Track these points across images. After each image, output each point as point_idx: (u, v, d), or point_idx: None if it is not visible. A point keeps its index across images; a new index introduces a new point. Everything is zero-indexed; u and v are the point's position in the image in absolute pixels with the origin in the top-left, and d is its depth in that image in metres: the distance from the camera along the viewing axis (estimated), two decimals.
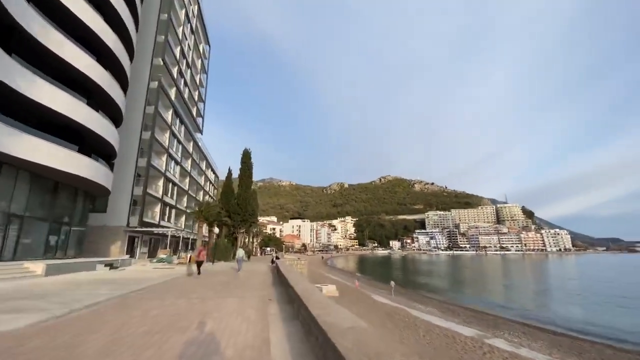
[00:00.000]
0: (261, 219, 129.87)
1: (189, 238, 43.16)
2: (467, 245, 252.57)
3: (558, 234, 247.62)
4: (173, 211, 39.39)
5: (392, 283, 31.21)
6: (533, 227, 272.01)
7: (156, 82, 33.14)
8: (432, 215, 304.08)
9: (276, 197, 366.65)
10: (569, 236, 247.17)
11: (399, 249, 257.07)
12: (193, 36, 46.85)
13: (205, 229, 30.59)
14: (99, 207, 28.17)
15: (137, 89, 31.09)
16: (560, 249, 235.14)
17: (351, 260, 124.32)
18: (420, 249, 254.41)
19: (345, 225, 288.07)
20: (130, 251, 31.11)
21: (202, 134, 55.56)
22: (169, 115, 37.09)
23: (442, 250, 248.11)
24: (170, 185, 38.38)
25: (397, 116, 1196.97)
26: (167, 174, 36.54)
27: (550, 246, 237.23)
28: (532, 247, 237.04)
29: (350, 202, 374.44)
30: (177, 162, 40.51)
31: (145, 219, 31.34)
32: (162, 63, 33.75)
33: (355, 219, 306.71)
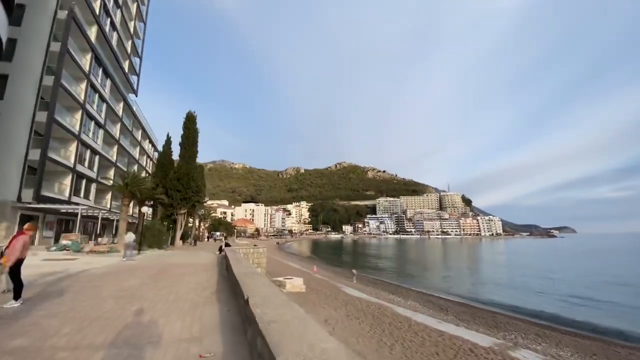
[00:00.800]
0: (211, 202, 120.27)
1: (115, 220, 35.45)
2: (413, 230, 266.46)
3: (492, 220, 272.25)
4: (93, 186, 31.42)
5: (354, 271, 28.40)
6: (471, 214, 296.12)
7: (65, 12, 24.73)
8: (382, 201, 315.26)
9: (228, 180, 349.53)
10: (500, 222, 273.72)
11: (351, 233, 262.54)
12: None
13: (133, 208, 23.88)
14: None
15: (36, 15, 22.70)
16: (492, 234, 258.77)
17: (305, 244, 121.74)
18: (371, 233, 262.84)
19: (300, 210, 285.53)
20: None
21: (136, 96, 46.35)
22: (86, 61, 28.64)
23: (390, 234, 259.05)
24: (89, 153, 30.28)
25: (353, 106, 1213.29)
26: (84, 137, 28.49)
27: (484, 231, 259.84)
28: (469, 232, 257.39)
29: (305, 187, 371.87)
30: (99, 125, 32.19)
31: (49, 193, 23.65)
32: None
33: (310, 204, 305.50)
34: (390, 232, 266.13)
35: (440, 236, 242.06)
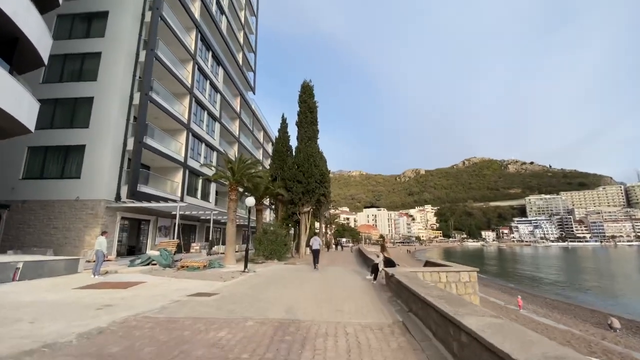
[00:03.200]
0: (332, 211, 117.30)
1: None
2: (588, 235, 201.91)
3: None
4: (213, 187, 27.50)
5: (613, 320, 14.56)
6: None
7: None
8: (534, 200, 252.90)
9: (346, 188, 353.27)
10: None
11: (493, 240, 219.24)
12: None
13: (243, 205, 17.00)
14: (68, 169, 16.89)
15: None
16: None
17: (441, 253, 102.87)
18: (523, 240, 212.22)
19: (425, 215, 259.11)
20: (135, 240, 19.56)
21: (254, 94, 43.58)
22: (190, 40, 24.81)
23: (552, 241, 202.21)
24: (204, 146, 26.34)
25: (478, 95, 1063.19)
26: (194, 127, 24.39)
27: None
28: None
29: (428, 190, 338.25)
30: (213, 117, 28.39)
31: (156, 191, 19.34)
32: None
33: (436, 208, 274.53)
34: (552, 238, 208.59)
35: (634, 242, 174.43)
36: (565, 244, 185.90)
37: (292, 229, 24.81)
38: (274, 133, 36.88)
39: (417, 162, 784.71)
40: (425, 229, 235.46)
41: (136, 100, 18.14)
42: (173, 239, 17.41)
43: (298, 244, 22.99)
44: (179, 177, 22.18)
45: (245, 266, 12.75)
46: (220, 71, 30.91)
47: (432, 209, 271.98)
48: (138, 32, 19.10)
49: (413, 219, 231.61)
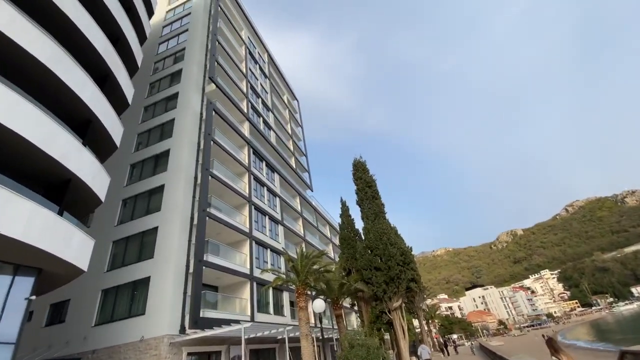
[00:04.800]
0: (429, 302, 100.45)
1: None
2: None
3: None
4: (286, 298, 24.66)
5: None
6: None
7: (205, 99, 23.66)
8: None
9: (436, 271, 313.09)
10: None
11: None
12: (268, 81, 40.18)
13: (316, 309, 13.63)
14: (135, 307, 16.00)
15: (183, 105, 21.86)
16: None
17: (587, 331, 74.27)
18: None
19: (546, 283, 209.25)
20: None
21: (312, 191, 43.88)
22: (244, 155, 26.44)
23: None
24: (269, 252, 24.84)
25: (549, 133, 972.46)
26: (257, 234, 23.50)
27: None
28: None
29: (536, 251, 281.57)
30: (274, 220, 27.76)
31: (220, 315, 17.26)
32: (212, 85, 24.94)
33: (556, 272, 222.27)
34: None
35: None
36: None
37: (386, 334, 19.55)
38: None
39: (510, 223, 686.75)
40: (554, 301, 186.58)
41: (196, 220, 18.07)
42: None
43: (399, 354, 17.39)
44: (246, 292, 20.11)
45: None
46: (276, 177, 31.91)
47: (551, 275, 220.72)
48: (195, 159, 20.63)
49: (533, 292, 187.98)
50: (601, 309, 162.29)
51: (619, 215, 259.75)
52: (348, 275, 20.12)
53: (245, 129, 28.53)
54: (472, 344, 43.09)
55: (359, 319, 25.90)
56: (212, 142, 21.54)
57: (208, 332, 14.38)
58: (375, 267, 17.65)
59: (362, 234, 21.40)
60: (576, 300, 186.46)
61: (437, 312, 68.97)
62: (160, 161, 21.30)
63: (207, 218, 18.37)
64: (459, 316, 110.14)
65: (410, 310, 25.45)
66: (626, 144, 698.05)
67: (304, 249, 28.18)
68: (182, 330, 14.96)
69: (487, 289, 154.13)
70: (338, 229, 44.60)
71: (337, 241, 43.81)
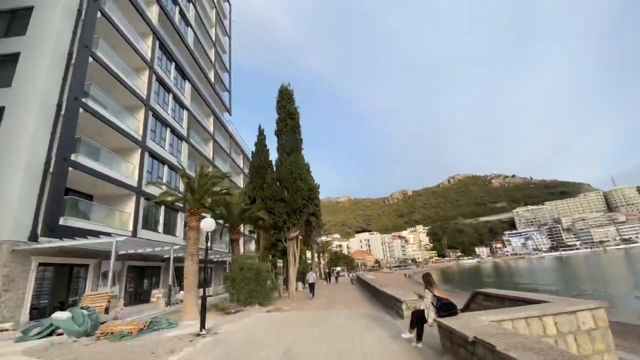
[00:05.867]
0: (324, 239, 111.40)
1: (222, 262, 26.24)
2: (577, 243, 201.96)
3: None
4: (180, 218, 22.90)
5: None
6: None
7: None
8: (521, 212, 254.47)
9: (336, 215, 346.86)
10: None
11: (488, 255, 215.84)
12: None
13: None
14: None
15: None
16: None
17: (436, 274, 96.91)
18: (516, 254, 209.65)
19: (418, 236, 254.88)
20: (65, 294, 14.53)
21: (230, 114, 40.14)
22: (146, 47, 21.38)
23: (545, 251, 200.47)
24: (166, 169, 22.07)
25: (455, 116, 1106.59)
26: (151, 145, 20.29)
27: None
28: None
29: (417, 210, 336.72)
30: (178, 135, 24.42)
31: (91, 226, 14.78)
32: None
33: (427, 228, 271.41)
34: (544, 249, 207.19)
35: (621, 246, 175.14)
36: (558, 253, 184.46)
37: (280, 260, 20.26)
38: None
39: (404, 184, 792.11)
40: (420, 250, 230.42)
41: (64, 110, 14.03)
42: (109, 288, 12.57)
43: (287, 279, 18.36)
44: (130, 206, 17.66)
45: (202, 325, 8.27)
46: (187, 86, 27.42)
47: (423, 229, 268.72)
48: (72, 30, 15.42)
49: (406, 241, 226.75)
50: (451, 260, 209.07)
51: (484, 192, 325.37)
52: (252, 203, 19.47)
53: (153, 13, 22.67)
54: (352, 275, 50.19)
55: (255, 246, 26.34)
56: (99, 12, 16.30)
57: (67, 242, 12.14)
58: (280, 199, 17.31)
59: (274, 166, 20.51)
60: (435, 251, 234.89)
61: (329, 248, 77.18)
62: (17, 20, 15.36)
63: (82, 110, 14.48)
64: (346, 253, 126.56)
65: (306, 243, 26.96)
66: (505, 133, 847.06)
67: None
68: (33, 237, 12.24)
69: (373, 234, 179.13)
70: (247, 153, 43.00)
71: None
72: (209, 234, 9.37)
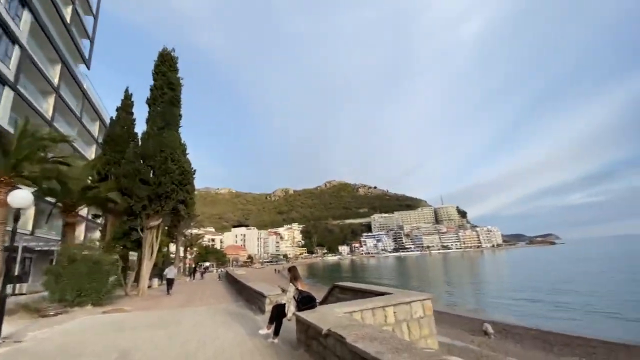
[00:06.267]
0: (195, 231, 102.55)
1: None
2: (412, 246, 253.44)
3: (491, 231, 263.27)
4: None
5: (488, 326, 14.97)
6: (468, 225, 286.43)
7: None
8: (377, 218, 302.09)
9: (213, 207, 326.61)
10: (499, 233, 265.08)
11: (348, 253, 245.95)
12: None
13: (15, 203, 9.40)
14: None
15: None
16: (493, 245, 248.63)
17: (303, 268, 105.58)
18: (369, 253, 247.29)
19: (293, 233, 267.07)
20: None
21: (88, 68, 32.05)
22: None
23: (389, 252, 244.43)
24: None
25: (339, 128, 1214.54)
26: None
27: (485, 242, 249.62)
28: (469, 245, 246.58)
29: (296, 209, 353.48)
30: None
31: None
32: None
33: (302, 226, 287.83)
34: (389, 250, 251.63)
35: (441, 251, 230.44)
36: (398, 254, 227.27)
37: (136, 253, 17.18)
38: None
39: (288, 182, 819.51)
40: (293, 246, 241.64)
41: None
42: None
43: (138, 273, 15.64)
44: None
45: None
46: (27, 16, 20.32)
47: (299, 227, 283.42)
48: None
49: (282, 238, 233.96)
50: (317, 256, 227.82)
51: (352, 198, 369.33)
52: (103, 180, 15.80)
53: None
54: (220, 271, 47.83)
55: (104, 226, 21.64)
56: None
57: None
58: (142, 179, 14.60)
59: (140, 140, 17.24)
60: (306, 248, 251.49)
61: (199, 242, 71.68)
62: None
63: None
64: (219, 248, 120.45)
65: (171, 234, 23.97)
66: (376, 150, 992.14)
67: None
68: None
69: (250, 229, 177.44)
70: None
71: None
72: (20, 211, 6.91)
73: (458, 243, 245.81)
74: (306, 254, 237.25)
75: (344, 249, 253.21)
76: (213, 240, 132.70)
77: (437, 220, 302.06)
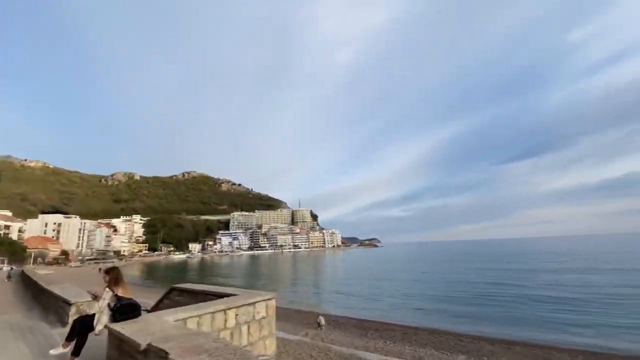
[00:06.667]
0: None
1: None
2: (267, 245, 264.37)
3: (334, 233, 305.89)
4: None
5: (321, 319, 17.02)
6: (318, 227, 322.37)
7: None
8: (237, 216, 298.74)
9: (16, 183, 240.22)
10: (340, 235, 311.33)
11: (199, 252, 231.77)
12: None
13: None
14: None
15: None
16: (334, 246, 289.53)
17: (138, 268, 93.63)
18: (223, 251, 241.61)
19: (132, 226, 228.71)
20: None
21: None
22: None
23: (245, 250, 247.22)
24: None
25: (207, 118, 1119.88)
26: None
27: (328, 243, 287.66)
28: (316, 245, 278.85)
29: (141, 198, 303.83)
30: None
31: None
32: None
33: (146, 218, 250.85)
34: (245, 248, 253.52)
35: (292, 250, 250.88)
36: (252, 252, 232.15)
37: None
38: None
39: (135, 166, 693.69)
40: (130, 241, 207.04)
41: None
42: None
43: None
44: None
45: None
46: None
47: (141, 220, 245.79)
48: None
49: (116, 231, 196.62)
50: (161, 254, 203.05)
51: (212, 193, 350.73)
52: None
53: None
54: (11, 268, 36.63)
55: None
56: None
57: None
58: None
59: None
60: (147, 244, 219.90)
61: None
62: None
63: None
64: (15, 238, 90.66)
65: None
66: (248, 148, 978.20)
67: None
68: None
69: (70, 217, 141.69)
70: None
71: None
72: None
73: (307, 243, 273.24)
74: (146, 252, 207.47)
75: (195, 246, 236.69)
76: (8, 227, 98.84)
77: (293, 221, 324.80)
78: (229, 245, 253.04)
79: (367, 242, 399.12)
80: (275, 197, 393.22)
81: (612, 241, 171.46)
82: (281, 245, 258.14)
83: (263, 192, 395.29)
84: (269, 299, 6.29)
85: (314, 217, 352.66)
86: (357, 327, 17.52)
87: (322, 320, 16.67)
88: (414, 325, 18.85)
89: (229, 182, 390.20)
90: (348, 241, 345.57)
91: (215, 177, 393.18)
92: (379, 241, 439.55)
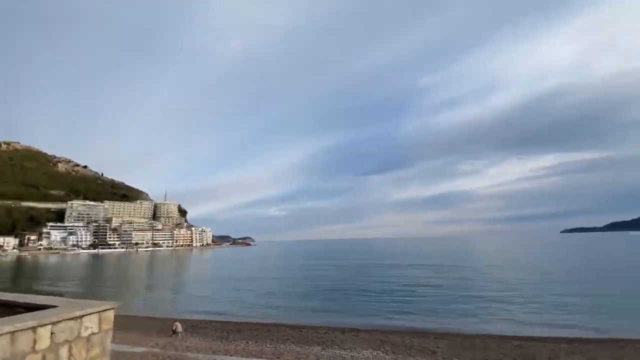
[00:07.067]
0: None
1: None
2: (118, 243, 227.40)
3: (204, 231, 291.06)
4: None
5: (177, 325, 15.76)
6: (185, 224, 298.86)
7: None
8: (77, 206, 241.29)
9: None
10: (211, 233, 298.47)
11: (14, 248, 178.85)
12: None
13: None
14: None
15: None
16: (203, 244, 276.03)
17: None
18: (52, 248, 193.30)
19: None
20: None
21: None
22: None
23: (85, 248, 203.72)
24: None
25: (46, 76, 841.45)
26: None
27: (196, 242, 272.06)
28: (182, 243, 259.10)
29: None
30: None
31: None
32: None
33: None
34: (85, 245, 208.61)
35: (150, 248, 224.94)
36: (96, 251, 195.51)
37: None
38: None
39: None
40: None
41: None
42: None
43: None
44: None
45: None
46: None
47: None
48: None
49: None
50: None
51: (43, 173, 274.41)
52: None
53: None
54: None
55: None
56: None
57: None
58: None
59: None
60: None
61: None
62: None
63: None
64: None
65: None
66: (104, 123, 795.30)
67: None
68: None
69: None
70: None
71: None
72: None
73: (171, 241, 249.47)
74: None
75: (9, 241, 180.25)
76: None
77: (156, 216, 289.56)
78: (62, 242, 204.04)
79: (240, 240, 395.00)
80: (135, 186, 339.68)
81: (433, 242, 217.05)
82: (136, 243, 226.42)
83: (117, 179, 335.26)
84: (104, 310, 5.14)
85: (183, 212, 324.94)
86: (218, 330, 16.88)
87: (179, 327, 15.34)
88: (276, 322, 19.37)
89: (69, 161, 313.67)
90: (220, 240, 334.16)
91: (50, 153, 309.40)
92: (252, 240, 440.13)
